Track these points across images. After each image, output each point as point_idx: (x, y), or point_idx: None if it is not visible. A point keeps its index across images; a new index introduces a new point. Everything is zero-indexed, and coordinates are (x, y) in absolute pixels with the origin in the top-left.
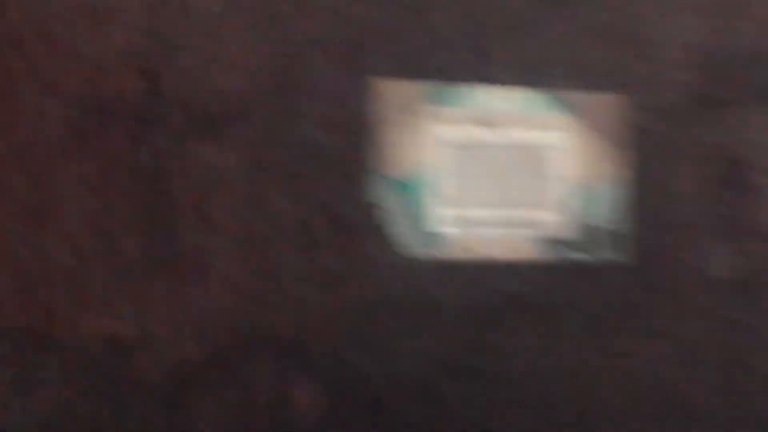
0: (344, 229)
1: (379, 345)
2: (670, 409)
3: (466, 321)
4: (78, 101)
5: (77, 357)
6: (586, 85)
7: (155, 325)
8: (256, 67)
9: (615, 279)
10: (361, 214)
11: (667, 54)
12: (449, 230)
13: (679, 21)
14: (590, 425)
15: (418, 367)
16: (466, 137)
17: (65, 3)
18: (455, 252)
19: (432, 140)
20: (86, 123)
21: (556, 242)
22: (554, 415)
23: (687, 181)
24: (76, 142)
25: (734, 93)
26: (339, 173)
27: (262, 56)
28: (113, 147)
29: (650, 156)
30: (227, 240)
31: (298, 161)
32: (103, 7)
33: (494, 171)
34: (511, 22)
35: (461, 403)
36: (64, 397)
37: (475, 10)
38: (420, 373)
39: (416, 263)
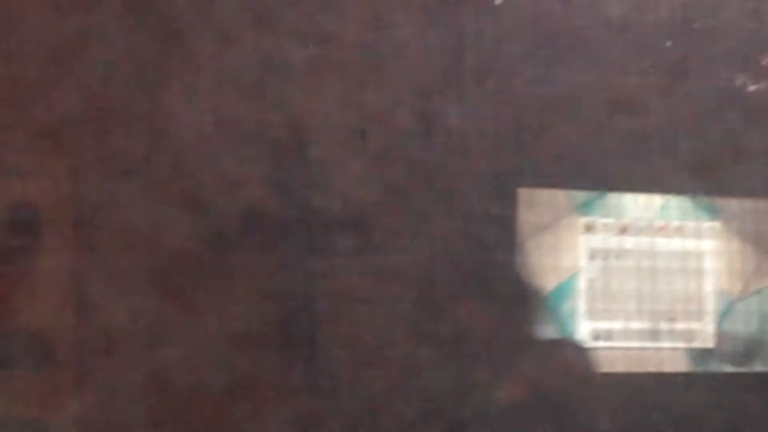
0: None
1: None
2: None
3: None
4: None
5: None
6: (740, 192)
7: None
8: (392, 176)
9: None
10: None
11: None
12: (595, 342)
13: None
14: None
15: None
16: (615, 246)
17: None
18: (604, 365)
19: (581, 250)
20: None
21: (707, 354)
22: None
23: None
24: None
25: None
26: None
27: (397, 164)
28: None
29: None
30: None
31: (440, 271)
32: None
33: (640, 281)
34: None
35: None
36: None
37: (635, 119)
38: None
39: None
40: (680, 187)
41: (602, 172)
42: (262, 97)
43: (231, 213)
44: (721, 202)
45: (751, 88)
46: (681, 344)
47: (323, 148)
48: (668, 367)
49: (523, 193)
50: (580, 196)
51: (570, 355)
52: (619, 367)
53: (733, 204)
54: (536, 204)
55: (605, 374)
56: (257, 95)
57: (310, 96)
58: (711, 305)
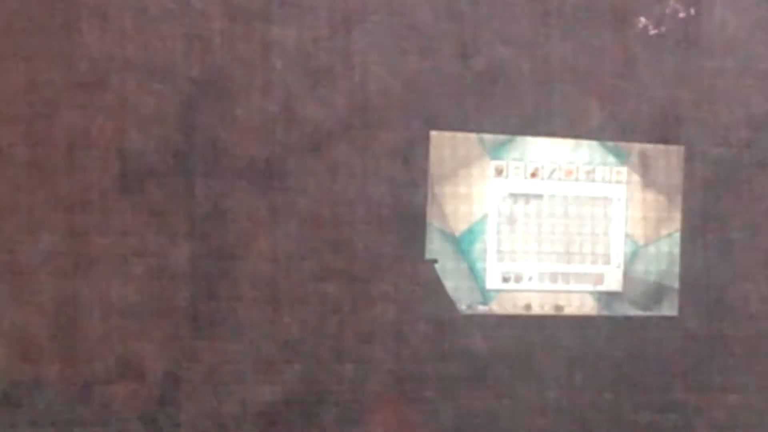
0: (400, 281)
1: (427, 396)
2: None
3: (518, 375)
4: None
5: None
6: (647, 137)
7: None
8: (310, 120)
9: (667, 331)
10: (418, 269)
11: (727, 109)
12: (504, 284)
13: (737, 76)
14: None
15: (461, 421)
16: (525, 190)
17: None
18: (510, 306)
19: (492, 193)
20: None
21: (614, 297)
22: None
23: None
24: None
25: None
26: (395, 226)
27: (315, 108)
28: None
29: (707, 209)
30: (272, 292)
31: (351, 213)
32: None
33: (549, 224)
34: (573, 74)
35: None
36: None
37: (538, 63)
38: (466, 425)
39: (470, 317)
40: (590, 132)
41: (513, 116)
42: (176, 37)
43: (141, 151)
44: (629, 147)
45: (655, 32)
46: (589, 287)
47: (238, 87)
48: (576, 310)
49: (435, 137)
50: (491, 139)
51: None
52: (528, 309)
53: (643, 150)
54: (448, 147)
55: (514, 316)
56: (171, 35)
57: (228, 36)
58: (619, 249)
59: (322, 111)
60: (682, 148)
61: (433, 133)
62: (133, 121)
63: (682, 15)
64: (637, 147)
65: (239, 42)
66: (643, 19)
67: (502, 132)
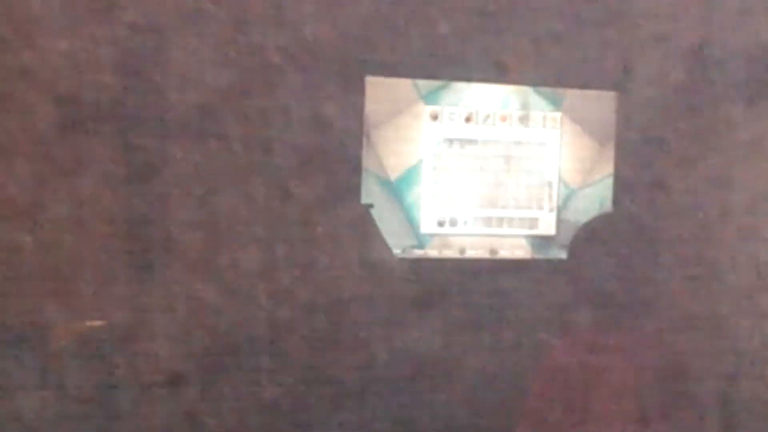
0: (335, 226)
1: (362, 339)
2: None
3: (453, 319)
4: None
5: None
6: (578, 83)
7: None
8: (244, 64)
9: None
10: (353, 213)
11: (658, 51)
12: (439, 228)
13: (670, 19)
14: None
15: (395, 362)
16: (460, 135)
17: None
18: (445, 250)
19: (426, 139)
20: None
21: (548, 241)
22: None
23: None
24: (60, 140)
25: (723, 91)
26: (330, 170)
27: (250, 53)
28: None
29: (640, 153)
30: (216, 235)
31: (287, 160)
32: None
33: (484, 169)
34: (503, 19)
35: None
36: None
37: (469, 7)
38: (400, 367)
39: (406, 261)
40: (524, 77)
41: (448, 61)
42: None
43: (77, 96)
44: (563, 93)
45: None
46: (523, 231)
47: (177, 34)
48: (510, 253)
49: (371, 82)
50: (426, 85)
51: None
52: (462, 253)
53: (576, 95)
54: (383, 93)
55: (449, 259)
56: None
57: None
58: (552, 194)
59: (255, 57)
60: (614, 94)
61: (369, 79)
62: (68, 66)
63: None
64: (570, 93)
65: None
66: None
67: (437, 78)
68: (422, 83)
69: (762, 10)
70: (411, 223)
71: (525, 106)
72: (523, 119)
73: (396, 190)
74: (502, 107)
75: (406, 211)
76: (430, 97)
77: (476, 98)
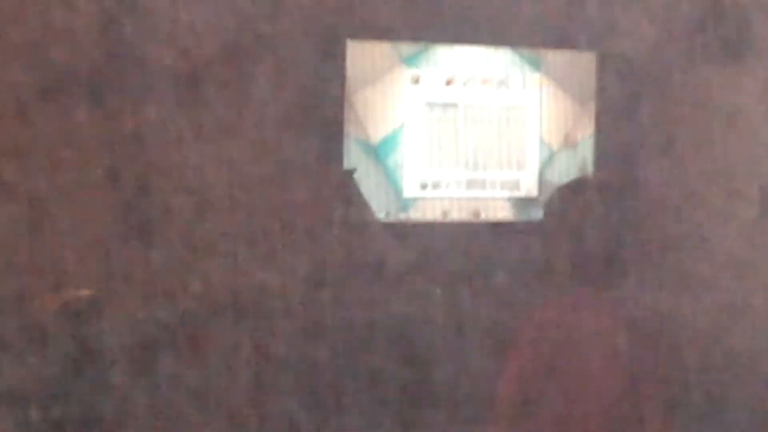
0: (317, 190)
1: (345, 304)
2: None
3: (436, 282)
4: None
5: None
6: (557, 44)
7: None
8: (225, 28)
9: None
10: (336, 177)
11: (635, 11)
12: (422, 192)
13: None
14: None
15: (381, 325)
16: (441, 98)
17: None
18: (428, 213)
19: (408, 102)
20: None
21: (530, 203)
22: None
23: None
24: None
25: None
26: (313, 135)
27: (232, 17)
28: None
29: (621, 113)
30: (194, 201)
31: (273, 124)
32: None
33: (465, 132)
34: None
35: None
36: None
37: None
38: (388, 329)
39: (389, 225)
40: (504, 39)
41: (428, 24)
42: None
43: (61, 63)
44: (543, 54)
45: None
46: (505, 193)
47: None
48: (492, 216)
49: (352, 46)
50: (407, 48)
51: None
52: (445, 216)
53: (556, 56)
54: (364, 56)
55: (432, 223)
56: None
57: None
58: (534, 155)
59: (238, 21)
60: (594, 54)
61: (349, 43)
62: (53, 34)
63: None
64: (550, 54)
65: None
66: None
67: (418, 40)
68: (403, 46)
69: None
70: (394, 186)
71: (505, 68)
72: (504, 81)
73: (378, 153)
74: (482, 70)
75: (388, 175)
76: (411, 61)
77: (456, 61)
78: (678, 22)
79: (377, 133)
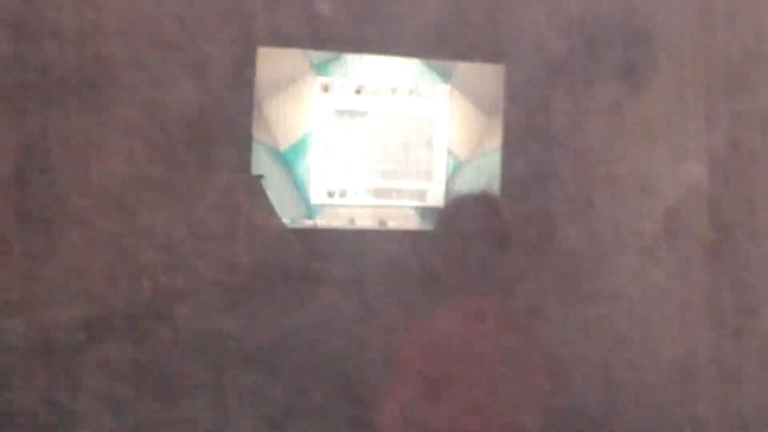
0: (224, 195)
1: (251, 309)
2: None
3: (342, 289)
4: None
5: None
6: (465, 55)
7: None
8: (135, 32)
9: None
10: (243, 182)
11: (541, 26)
12: (329, 199)
13: None
14: None
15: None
16: (350, 106)
17: None
18: (334, 221)
19: (317, 110)
20: None
21: (433, 211)
22: None
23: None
24: None
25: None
26: (222, 141)
27: (143, 20)
28: None
29: (528, 125)
30: (105, 204)
31: (178, 128)
32: None
33: (374, 141)
34: None
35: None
36: None
37: None
38: (294, 334)
39: (295, 231)
40: (414, 50)
41: (339, 32)
42: None
43: None
44: (452, 66)
45: None
46: (412, 203)
47: (71, 4)
48: (399, 224)
49: (262, 53)
50: (318, 56)
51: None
52: (352, 223)
53: (465, 68)
54: (274, 63)
55: (338, 230)
56: None
57: None
58: (441, 166)
59: (148, 24)
60: (502, 67)
61: (260, 49)
62: None
63: None
64: (460, 66)
65: None
66: None
67: (329, 49)
68: (314, 54)
69: None
70: (301, 193)
71: (415, 78)
72: (413, 92)
73: (286, 160)
74: (392, 79)
75: (295, 182)
76: (321, 68)
77: (367, 70)
78: (583, 36)
79: (286, 139)
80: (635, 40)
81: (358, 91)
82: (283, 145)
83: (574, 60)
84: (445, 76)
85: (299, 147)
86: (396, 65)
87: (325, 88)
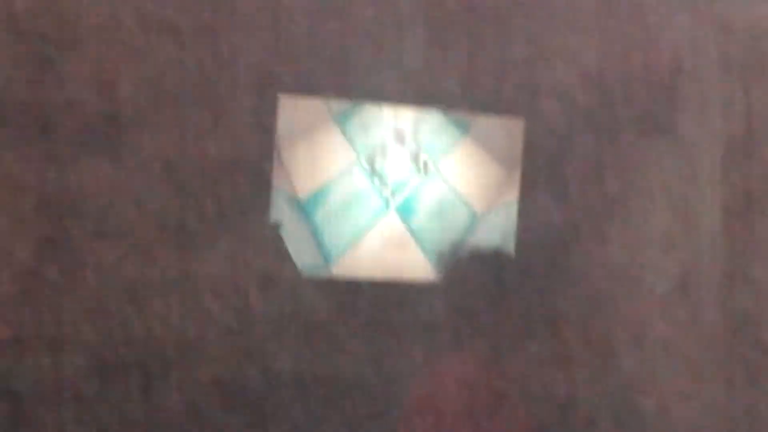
0: (241, 243)
1: (265, 358)
2: None
3: (359, 336)
4: None
5: None
6: (485, 107)
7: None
8: (160, 77)
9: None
10: (263, 230)
11: (561, 78)
12: (345, 249)
13: (573, 45)
14: None
15: (300, 380)
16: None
17: None
18: (352, 270)
19: (335, 160)
20: None
21: (440, 261)
22: None
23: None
24: None
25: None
26: (242, 188)
27: (167, 65)
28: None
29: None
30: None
31: (201, 174)
32: None
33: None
34: (412, 44)
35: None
36: None
37: (383, 33)
38: (302, 385)
39: (312, 280)
40: (433, 101)
41: (359, 82)
42: None
43: None
44: (471, 118)
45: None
46: (427, 255)
47: (83, 42)
48: (413, 275)
49: (284, 101)
50: (339, 106)
51: None
52: (368, 274)
53: (483, 121)
54: (295, 112)
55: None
56: None
57: None
58: (458, 218)
59: (172, 71)
60: (521, 120)
61: (281, 97)
62: None
63: None
64: (479, 119)
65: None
66: None
67: (349, 98)
68: (335, 104)
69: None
70: (318, 242)
71: (432, 131)
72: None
73: (305, 209)
74: (410, 131)
75: (314, 231)
76: (341, 119)
77: (386, 122)
78: (606, 90)
79: (305, 188)
80: (655, 94)
81: (378, 143)
82: (303, 194)
83: (593, 113)
84: (464, 130)
85: (318, 196)
86: (415, 118)
87: (346, 138)
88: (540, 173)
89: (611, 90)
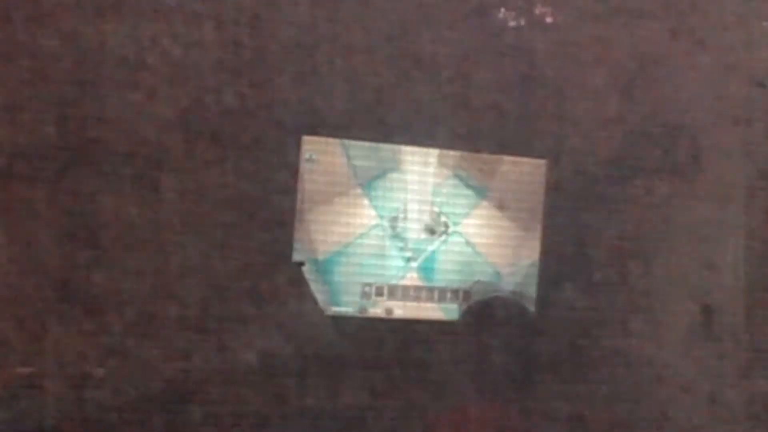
0: (263, 280)
1: (287, 395)
2: None
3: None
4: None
5: None
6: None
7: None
8: (182, 117)
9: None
10: (283, 268)
11: (586, 122)
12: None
13: (597, 89)
14: None
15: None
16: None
17: None
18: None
19: (358, 223)
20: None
21: (462, 302)
22: None
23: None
24: None
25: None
26: (268, 231)
27: (189, 105)
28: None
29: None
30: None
31: (220, 211)
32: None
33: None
34: (432, 88)
35: None
36: None
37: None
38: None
39: (334, 318)
40: (449, 165)
41: (379, 123)
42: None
43: (14, 145)
44: (489, 181)
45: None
46: (453, 305)
47: (107, 79)
48: (435, 317)
49: (307, 160)
50: (364, 170)
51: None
52: (389, 313)
53: (500, 183)
54: (319, 173)
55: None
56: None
57: (102, 28)
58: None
59: (197, 110)
60: (543, 163)
61: (304, 157)
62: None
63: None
64: (496, 179)
65: (112, 38)
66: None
67: (374, 162)
68: (360, 167)
69: (690, 84)
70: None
71: (449, 195)
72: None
73: (323, 269)
74: (431, 196)
75: (334, 290)
76: (366, 182)
77: (408, 189)
78: (626, 133)
79: (325, 249)
80: (678, 137)
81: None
82: (322, 255)
83: (614, 156)
84: (482, 194)
85: (339, 255)
86: (435, 180)
87: (369, 202)
88: (561, 218)
89: (632, 132)
